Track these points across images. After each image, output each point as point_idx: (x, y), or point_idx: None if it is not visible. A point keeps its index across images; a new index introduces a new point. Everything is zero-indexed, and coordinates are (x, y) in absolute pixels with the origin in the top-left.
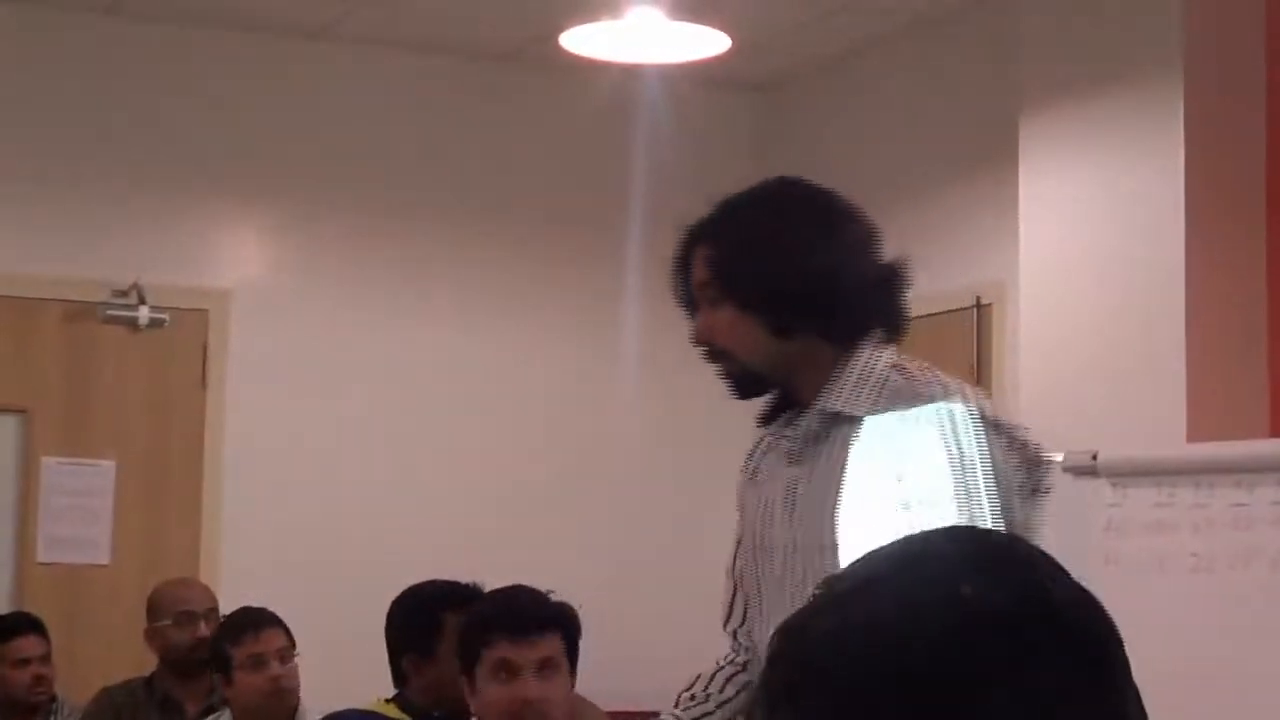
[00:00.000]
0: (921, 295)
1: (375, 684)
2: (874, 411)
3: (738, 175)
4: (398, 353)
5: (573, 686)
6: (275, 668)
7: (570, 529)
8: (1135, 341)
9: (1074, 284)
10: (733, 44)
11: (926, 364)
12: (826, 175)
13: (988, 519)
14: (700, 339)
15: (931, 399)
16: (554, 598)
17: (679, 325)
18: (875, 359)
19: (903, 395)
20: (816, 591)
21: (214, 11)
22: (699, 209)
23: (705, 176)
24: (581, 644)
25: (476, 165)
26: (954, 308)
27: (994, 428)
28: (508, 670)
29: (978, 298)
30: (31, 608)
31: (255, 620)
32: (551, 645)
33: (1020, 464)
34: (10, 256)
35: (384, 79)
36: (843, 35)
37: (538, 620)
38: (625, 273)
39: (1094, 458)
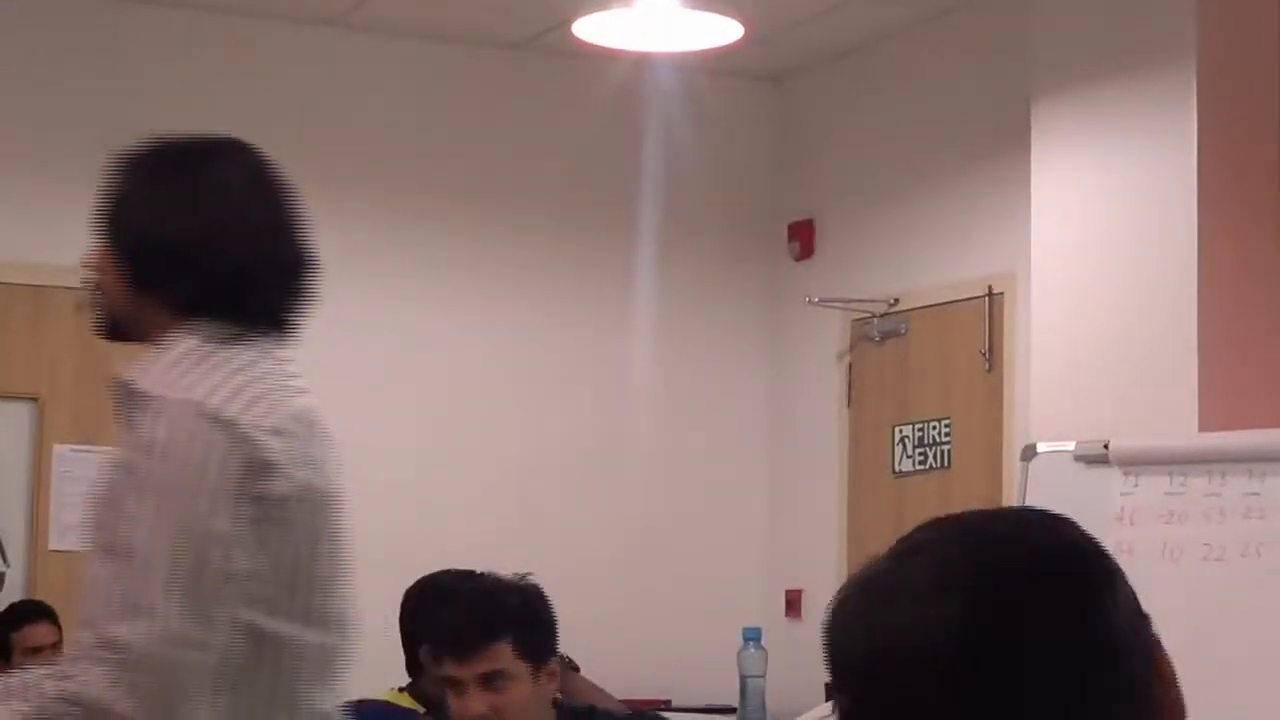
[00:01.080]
0: (934, 284)
1: (388, 673)
2: (146, 391)
3: (750, 164)
4: (410, 340)
5: (547, 667)
6: None
7: (585, 515)
8: (1148, 330)
9: (1086, 272)
10: (745, 33)
11: (251, 367)
12: (839, 164)
13: (174, 515)
14: (86, 265)
15: (167, 389)
16: (515, 577)
17: (691, 312)
18: (191, 340)
19: (172, 382)
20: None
21: None
22: (710, 197)
23: (717, 165)
24: (589, 632)
25: (488, 153)
26: (966, 296)
27: (224, 426)
28: (453, 685)
29: (989, 286)
30: (43, 595)
31: None
32: (497, 656)
33: (241, 468)
34: (22, 245)
35: (397, 67)
36: (855, 24)
37: (481, 634)
38: (638, 260)
39: (1106, 446)
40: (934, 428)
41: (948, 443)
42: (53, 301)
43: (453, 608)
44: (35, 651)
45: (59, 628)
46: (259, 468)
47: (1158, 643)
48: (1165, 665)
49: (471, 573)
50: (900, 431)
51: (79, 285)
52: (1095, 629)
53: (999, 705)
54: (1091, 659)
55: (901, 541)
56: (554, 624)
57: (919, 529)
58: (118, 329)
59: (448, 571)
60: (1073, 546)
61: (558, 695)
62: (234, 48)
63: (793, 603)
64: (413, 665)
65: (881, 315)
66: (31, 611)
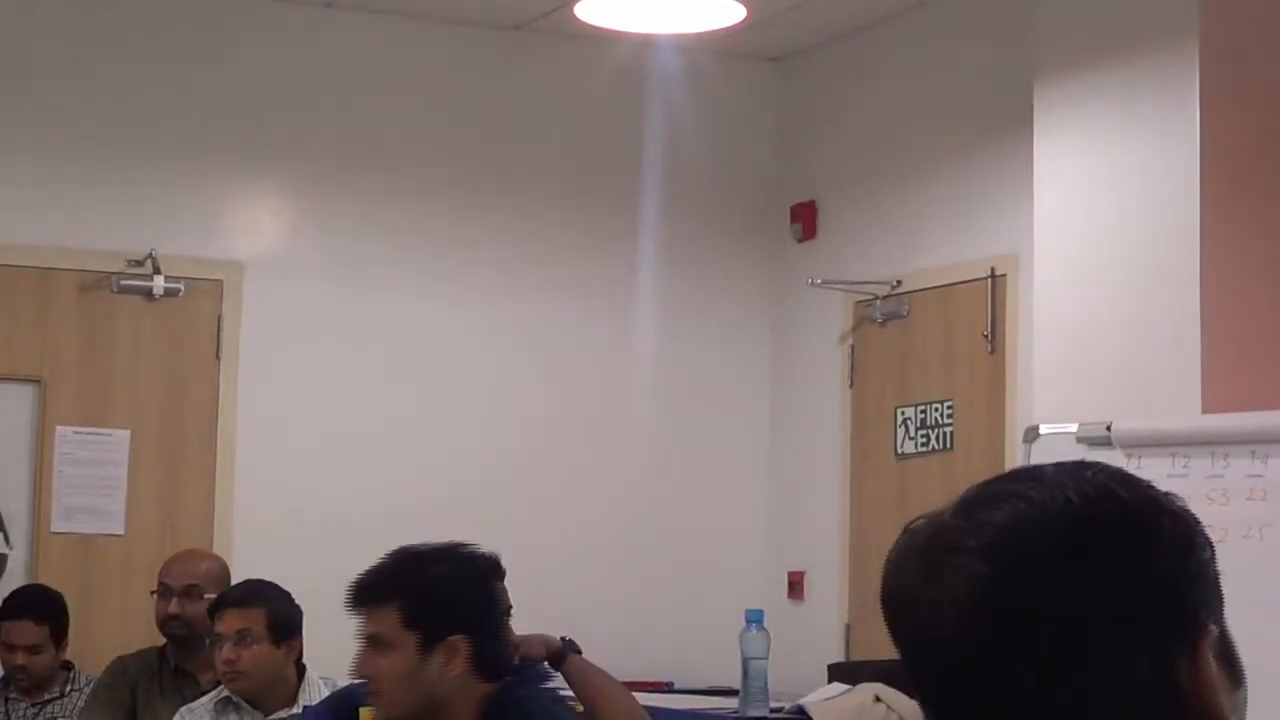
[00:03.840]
0: (936, 266)
1: None
2: None
3: (752, 145)
4: (411, 323)
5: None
6: (226, 651)
7: (587, 496)
8: (1150, 312)
9: (1089, 254)
10: (748, 14)
11: None
12: (841, 146)
13: None
14: None
15: None
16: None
17: (693, 296)
18: None
19: None
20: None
21: None
22: (713, 179)
23: (720, 147)
24: (591, 614)
25: (490, 135)
26: (968, 278)
27: None
28: None
29: (992, 268)
30: (46, 577)
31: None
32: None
33: None
34: (26, 227)
35: (399, 48)
36: (857, 5)
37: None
38: (641, 242)
39: (1108, 428)
40: (936, 409)
41: (950, 424)
42: (56, 284)
43: None
44: (11, 649)
45: (46, 624)
46: None
47: (1201, 643)
48: (1199, 671)
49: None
50: (903, 413)
51: (81, 268)
52: (1096, 606)
53: (1000, 677)
54: (1089, 642)
55: (970, 493)
56: None
57: (990, 482)
58: None
59: None
60: (1106, 514)
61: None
62: (233, 29)
63: (795, 584)
64: None
65: (884, 297)
66: (17, 607)
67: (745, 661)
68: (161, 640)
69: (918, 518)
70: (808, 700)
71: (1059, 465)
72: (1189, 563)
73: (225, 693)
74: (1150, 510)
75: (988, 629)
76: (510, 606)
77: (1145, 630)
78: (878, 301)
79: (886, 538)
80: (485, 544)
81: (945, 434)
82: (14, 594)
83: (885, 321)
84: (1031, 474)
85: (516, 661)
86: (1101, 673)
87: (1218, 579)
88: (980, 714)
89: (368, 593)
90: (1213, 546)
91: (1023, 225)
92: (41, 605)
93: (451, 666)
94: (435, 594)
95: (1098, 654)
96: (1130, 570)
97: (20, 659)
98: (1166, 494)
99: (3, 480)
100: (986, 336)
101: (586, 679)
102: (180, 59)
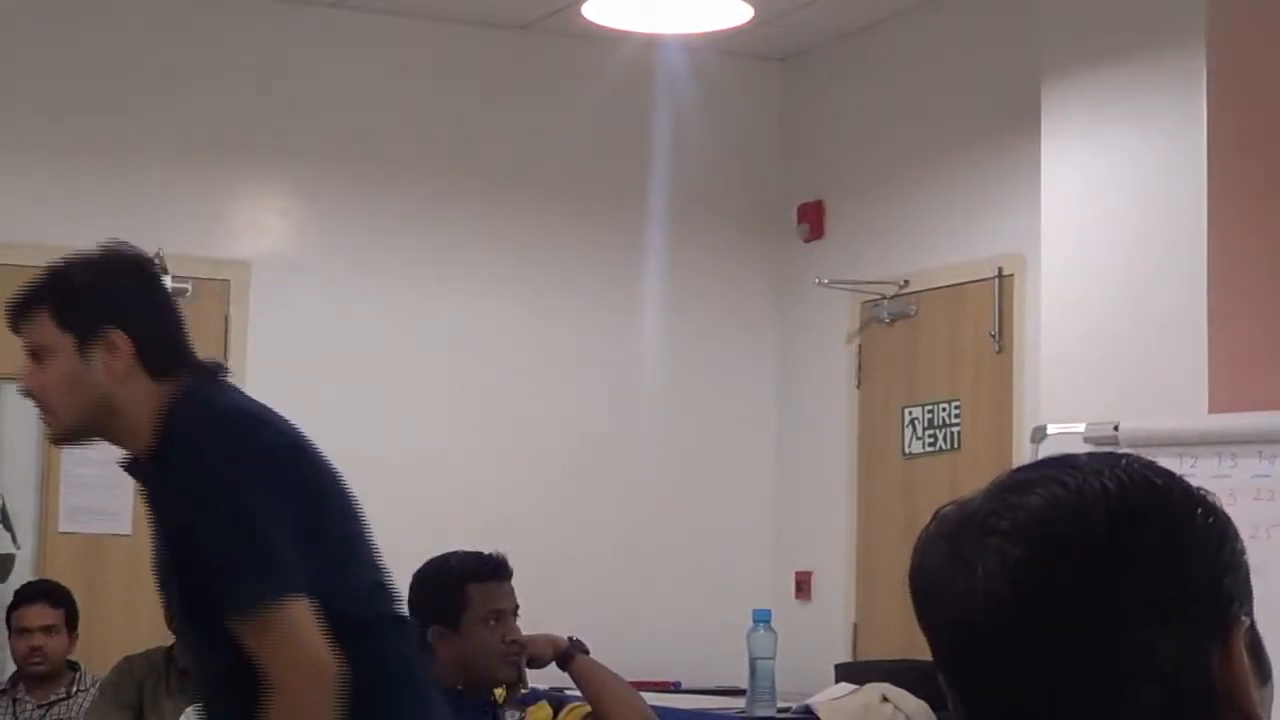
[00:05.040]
0: (943, 266)
1: None
2: None
3: (759, 145)
4: (418, 323)
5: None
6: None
7: (595, 496)
8: (1157, 312)
9: (1095, 254)
10: (755, 14)
11: None
12: (848, 146)
13: None
14: None
15: None
16: None
17: (700, 294)
18: None
19: None
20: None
21: None
22: (719, 179)
23: (727, 146)
24: (599, 613)
25: (497, 135)
26: (976, 278)
27: None
28: None
29: (999, 268)
30: (52, 576)
31: None
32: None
33: None
34: (31, 226)
35: (405, 48)
36: (864, 4)
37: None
38: (647, 242)
39: (1115, 428)
40: (943, 409)
41: (957, 424)
42: None
43: None
44: (25, 632)
45: (58, 609)
46: None
47: (1234, 634)
48: (1231, 661)
49: (481, 554)
50: (910, 413)
51: None
52: (1130, 593)
53: (1030, 661)
54: (1122, 628)
55: (1006, 477)
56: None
57: (1023, 468)
58: None
59: (456, 553)
60: (1143, 502)
61: None
62: (241, 29)
63: (802, 584)
64: (422, 645)
65: (891, 297)
66: (28, 592)
67: (752, 661)
68: (169, 640)
69: (947, 504)
70: (815, 700)
71: (1092, 455)
72: (1223, 553)
73: None
74: (1185, 501)
75: (1021, 612)
76: (517, 606)
77: (1179, 619)
78: (885, 301)
79: (894, 537)
80: (494, 544)
81: (952, 434)
82: (26, 585)
83: (892, 321)
84: (1066, 461)
85: (520, 660)
86: (1134, 660)
87: (1248, 573)
88: (1009, 698)
89: (19, 305)
90: (1242, 541)
91: (1030, 225)
92: (54, 591)
93: (113, 362)
94: (83, 288)
95: (1131, 641)
96: (1166, 558)
97: (37, 640)
98: (1199, 488)
99: (10, 480)
100: (993, 336)
101: (594, 679)
102: (187, 58)
